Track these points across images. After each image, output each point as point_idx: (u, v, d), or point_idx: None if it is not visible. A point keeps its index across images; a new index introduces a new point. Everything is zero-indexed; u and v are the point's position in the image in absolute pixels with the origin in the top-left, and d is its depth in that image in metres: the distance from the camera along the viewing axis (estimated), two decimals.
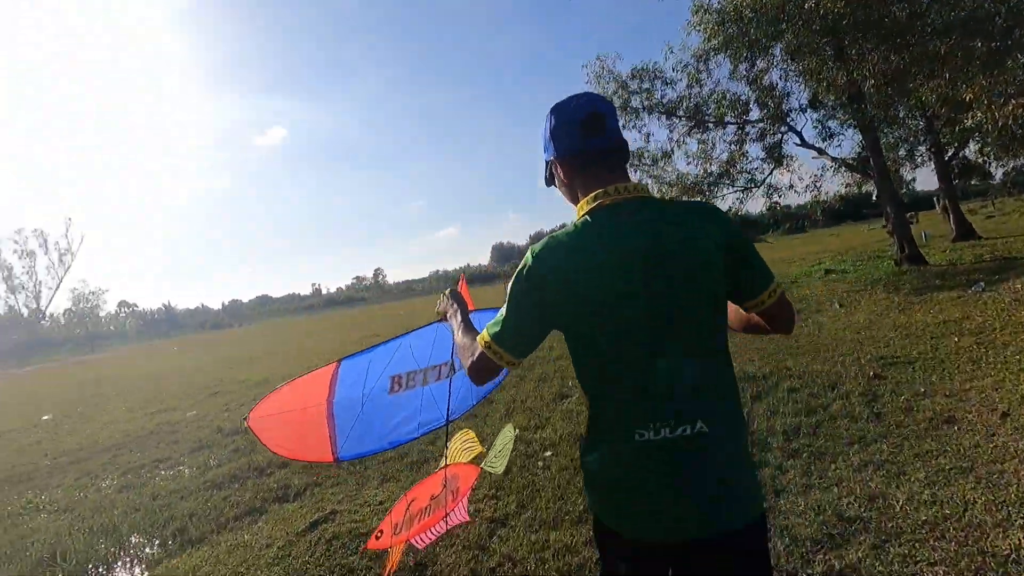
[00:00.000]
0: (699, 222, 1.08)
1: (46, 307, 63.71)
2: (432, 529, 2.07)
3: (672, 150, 14.81)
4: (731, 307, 1.20)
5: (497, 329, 1.13)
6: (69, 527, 4.15)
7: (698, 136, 14.53)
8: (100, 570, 3.47)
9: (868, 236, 26.31)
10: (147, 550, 3.64)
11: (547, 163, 1.22)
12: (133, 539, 3.81)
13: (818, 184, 13.86)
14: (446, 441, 2.13)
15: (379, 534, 1.89)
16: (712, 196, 14.04)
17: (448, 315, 1.54)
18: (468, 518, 2.30)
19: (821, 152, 13.67)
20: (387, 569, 2.13)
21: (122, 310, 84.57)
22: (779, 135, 13.80)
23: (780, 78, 12.91)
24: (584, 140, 1.13)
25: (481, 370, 1.18)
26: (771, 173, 13.99)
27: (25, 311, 61.99)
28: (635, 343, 1.05)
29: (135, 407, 9.66)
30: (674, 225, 1.07)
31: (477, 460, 2.23)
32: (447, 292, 1.59)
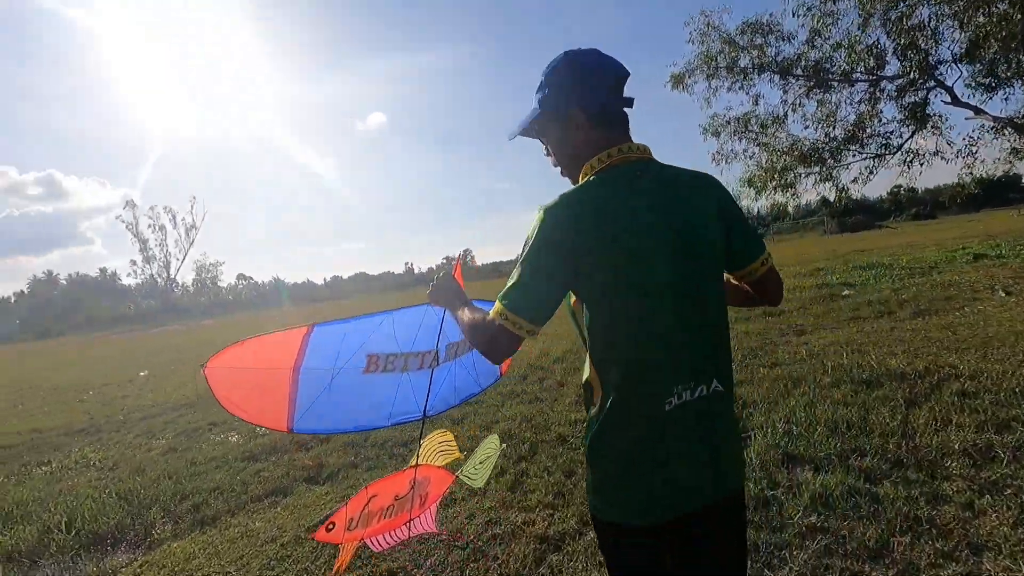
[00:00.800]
0: (703, 187, 1.10)
1: (174, 276, 70.94)
2: (392, 533, 1.86)
3: (786, 113, 12.95)
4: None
5: (512, 297, 1.04)
6: (99, 489, 3.90)
7: (818, 96, 12.57)
8: (93, 548, 3.09)
9: (1021, 221, 22.19)
10: (156, 528, 3.23)
11: (551, 111, 1.14)
12: (150, 512, 3.43)
13: (973, 149, 11.42)
14: (419, 438, 1.92)
15: (330, 525, 1.69)
16: (836, 164, 12.12)
17: (440, 299, 1.42)
18: (435, 529, 2.06)
19: (978, 111, 11.27)
20: (337, 567, 1.92)
21: (240, 282, 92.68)
22: (923, 91, 11.55)
23: (929, 19, 10.68)
24: (611, 99, 1.11)
25: (498, 344, 1.06)
26: (912, 136, 11.78)
27: (160, 280, 69.52)
28: (661, 302, 1.01)
29: None
30: (686, 187, 1.07)
31: (453, 466, 1.99)
32: (439, 275, 1.45)
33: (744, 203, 13.57)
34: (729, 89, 13.13)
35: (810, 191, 13.20)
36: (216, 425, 5.62)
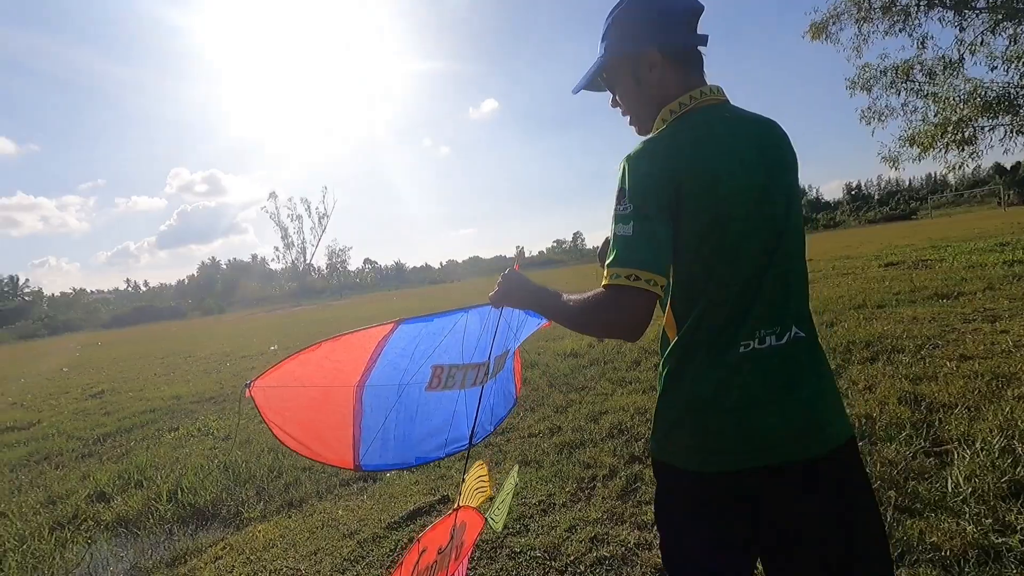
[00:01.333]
0: (783, 134, 1.04)
1: (310, 261, 78.00)
2: None
3: (962, 56, 10.67)
4: None
5: (620, 256, 0.92)
6: (209, 459, 3.98)
7: (1009, 30, 10.18)
8: (190, 521, 3.05)
9: None
10: (247, 506, 3.14)
11: (622, 56, 1.06)
12: (245, 488, 3.37)
13: None
14: (464, 472, 1.55)
15: None
16: None
17: (512, 297, 1.20)
18: None
19: None
20: None
21: (366, 266, 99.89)
22: None
23: None
24: (688, 36, 1.04)
25: (625, 311, 0.91)
26: None
27: (300, 266, 76.88)
28: (749, 244, 0.95)
29: None
30: (771, 132, 1.02)
31: (483, 507, 1.61)
32: (503, 274, 1.23)
33: (892, 172, 11.43)
34: (886, 34, 11.09)
35: (995, 148, 10.85)
36: None
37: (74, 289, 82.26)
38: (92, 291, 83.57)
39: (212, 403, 6.29)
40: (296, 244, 77.29)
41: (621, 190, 0.94)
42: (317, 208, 75.75)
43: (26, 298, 73.83)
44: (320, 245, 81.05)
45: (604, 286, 0.93)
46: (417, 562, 1.30)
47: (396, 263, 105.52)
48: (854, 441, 1.00)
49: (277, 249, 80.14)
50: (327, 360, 1.32)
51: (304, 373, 1.29)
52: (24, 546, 2.88)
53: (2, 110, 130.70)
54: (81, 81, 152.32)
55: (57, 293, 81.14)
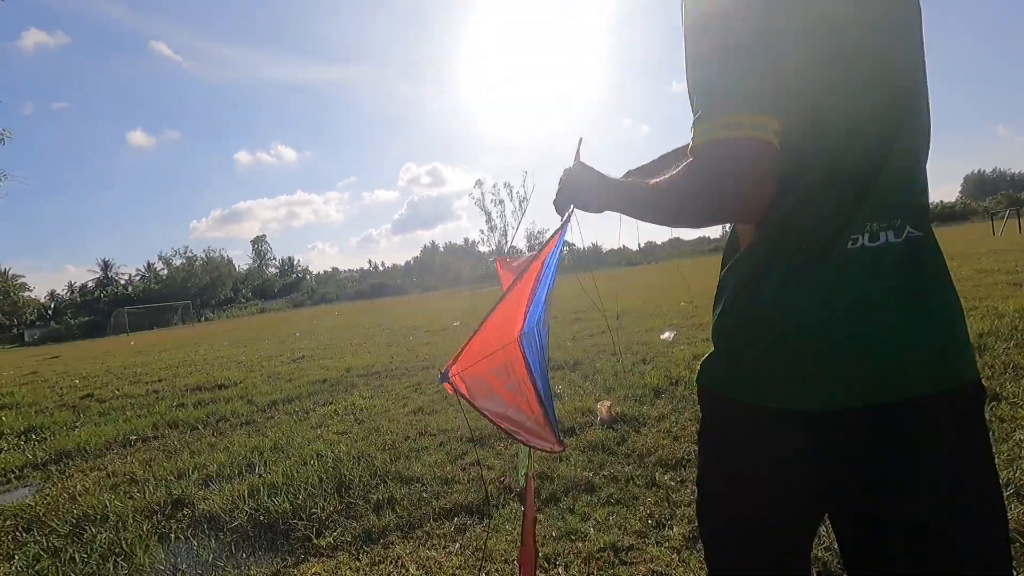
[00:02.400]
0: None
1: (512, 243, 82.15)
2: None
3: None
4: None
5: (714, 103, 0.69)
6: (333, 445, 3.52)
7: None
8: (265, 533, 2.47)
9: None
10: (317, 530, 2.46)
11: None
12: (331, 500, 2.73)
13: None
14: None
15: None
16: None
17: (580, 195, 1.01)
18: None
19: None
20: None
21: (564, 247, 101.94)
22: None
23: None
24: None
25: (738, 169, 0.68)
26: None
27: (503, 248, 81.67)
28: (863, 105, 0.71)
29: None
30: None
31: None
32: (566, 169, 1.04)
33: None
34: None
35: None
36: None
37: (331, 268, 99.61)
38: (344, 270, 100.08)
39: (375, 377, 6.13)
40: (499, 227, 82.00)
41: (696, 26, 0.73)
42: (517, 192, 79.12)
43: (299, 275, 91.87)
44: (520, 228, 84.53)
45: (692, 150, 0.71)
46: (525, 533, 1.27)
47: (593, 245, 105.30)
48: (980, 386, 0.74)
49: (482, 232, 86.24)
50: (500, 325, 1.08)
51: (488, 343, 1.03)
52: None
53: (287, 126, 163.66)
54: (340, 95, 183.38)
55: (320, 271, 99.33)
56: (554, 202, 1.05)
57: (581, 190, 0.99)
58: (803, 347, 0.72)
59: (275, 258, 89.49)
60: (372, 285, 71.81)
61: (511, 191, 77.11)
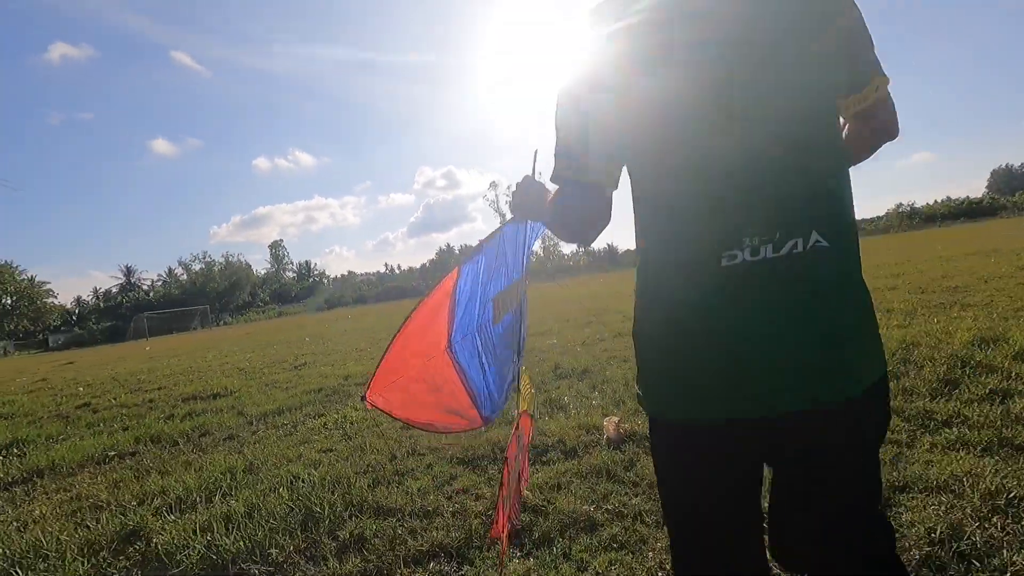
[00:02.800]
0: None
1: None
2: (518, 502, 1.71)
3: None
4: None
5: (556, 147, 0.87)
6: (310, 466, 3.19)
7: None
8: None
9: None
10: (297, 569, 2.13)
11: None
12: (314, 530, 2.40)
13: None
14: (516, 380, 1.56)
15: (497, 532, 1.47)
16: None
17: (522, 208, 1.17)
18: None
19: None
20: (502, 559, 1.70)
21: (579, 249, 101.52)
22: None
23: None
24: None
25: (577, 209, 0.87)
26: None
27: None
28: (727, 141, 0.76)
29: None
30: None
31: (530, 408, 1.67)
32: (518, 183, 1.17)
33: None
34: None
35: None
36: None
37: (347, 272, 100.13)
38: (361, 273, 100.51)
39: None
40: None
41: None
42: None
43: (316, 279, 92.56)
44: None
45: (554, 178, 0.90)
46: (509, 480, 1.38)
47: (608, 246, 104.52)
48: (882, 384, 0.83)
49: None
50: (418, 337, 1.31)
51: (404, 360, 1.28)
52: None
53: (304, 132, 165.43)
54: (354, 100, 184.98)
55: (336, 275, 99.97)
56: (510, 207, 1.17)
57: (524, 205, 1.13)
58: (686, 364, 0.79)
59: (292, 262, 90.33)
60: (386, 288, 72.10)
61: None
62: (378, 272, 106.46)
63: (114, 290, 74.23)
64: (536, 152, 1.22)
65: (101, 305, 70.85)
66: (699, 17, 0.74)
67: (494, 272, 1.40)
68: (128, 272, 76.87)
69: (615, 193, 0.88)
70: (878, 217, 71.13)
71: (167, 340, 30.56)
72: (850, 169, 0.84)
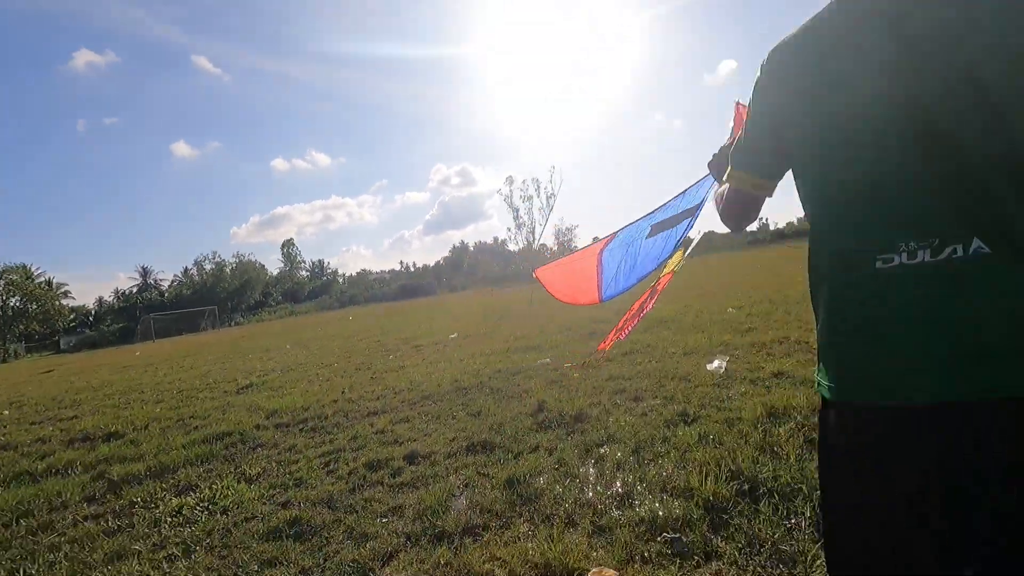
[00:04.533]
0: None
1: (538, 240, 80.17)
2: (630, 327, 2.29)
3: None
4: None
5: (734, 151, 1.01)
6: None
7: None
8: None
9: None
10: None
11: None
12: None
13: None
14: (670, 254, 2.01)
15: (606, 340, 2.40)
16: None
17: (713, 168, 1.36)
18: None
19: None
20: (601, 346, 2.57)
21: (593, 242, 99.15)
22: None
23: None
24: None
25: (732, 208, 1.04)
26: None
27: (532, 245, 79.76)
28: (883, 152, 0.79)
29: (511, 337, 7.97)
30: None
31: (675, 267, 2.08)
32: (722, 146, 1.34)
33: None
34: None
35: None
36: (406, 421, 3.15)
37: (361, 270, 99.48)
38: (377, 271, 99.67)
39: (300, 428, 4.35)
40: (527, 223, 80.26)
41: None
42: (545, 188, 76.99)
43: (329, 278, 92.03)
44: (548, 224, 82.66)
45: (724, 181, 1.07)
46: (635, 311, 2.18)
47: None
48: None
49: (509, 230, 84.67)
50: (582, 256, 2.05)
51: (564, 261, 2.12)
52: None
53: (320, 132, 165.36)
54: (369, 99, 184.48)
55: (352, 273, 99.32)
56: (708, 163, 1.38)
57: (717, 167, 1.32)
58: (839, 347, 0.83)
59: (304, 261, 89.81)
60: (399, 287, 71.09)
61: (539, 187, 75.16)
62: (393, 270, 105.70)
63: (133, 291, 74.34)
64: (737, 102, 1.45)
65: (116, 306, 70.99)
66: (902, 36, 0.76)
67: (664, 209, 1.86)
68: (145, 273, 76.96)
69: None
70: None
71: (163, 344, 29.65)
72: None
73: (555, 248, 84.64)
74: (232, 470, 3.52)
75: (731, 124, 1.43)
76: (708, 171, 1.38)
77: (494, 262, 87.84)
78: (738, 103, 1.48)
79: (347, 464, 3.33)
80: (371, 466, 3.23)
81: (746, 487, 2.21)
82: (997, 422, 0.72)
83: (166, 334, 42.81)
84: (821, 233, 0.86)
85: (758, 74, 0.91)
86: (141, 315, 56.55)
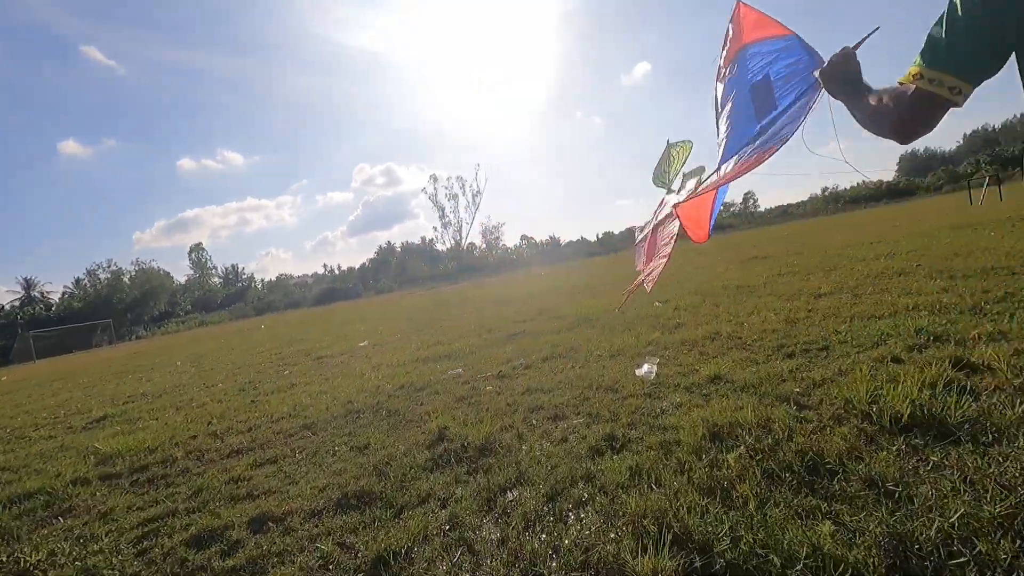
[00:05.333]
0: None
1: (466, 239, 79.21)
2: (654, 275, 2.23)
3: None
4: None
5: (932, 52, 0.95)
6: None
7: None
8: None
9: None
10: None
11: None
12: None
13: None
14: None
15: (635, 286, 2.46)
16: None
17: (833, 81, 1.21)
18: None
19: None
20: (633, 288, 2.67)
21: (522, 242, 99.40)
22: None
23: None
24: None
25: (917, 115, 0.98)
26: None
27: (460, 244, 78.43)
28: None
29: (425, 344, 7.17)
30: None
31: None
32: (837, 52, 1.22)
33: None
34: None
35: None
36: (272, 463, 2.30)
37: (279, 275, 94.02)
38: (299, 275, 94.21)
39: (131, 482, 3.35)
40: (453, 223, 79.00)
41: None
42: (471, 186, 76.13)
43: (244, 284, 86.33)
44: (474, 223, 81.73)
45: (904, 84, 1.01)
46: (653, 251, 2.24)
47: (551, 237, 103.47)
48: None
49: (435, 229, 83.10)
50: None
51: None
52: None
53: (232, 130, 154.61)
54: (287, 97, 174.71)
55: (271, 278, 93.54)
56: (820, 72, 1.24)
57: (836, 77, 1.18)
58: None
59: (215, 267, 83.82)
60: (321, 291, 67.74)
61: (464, 185, 73.83)
62: (316, 273, 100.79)
63: (16, 305, 65.86)
64: (877, 29, 1.22)
65: None
66: None
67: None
68: (28, 285, 68.58)
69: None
70: (803, 201, 73.06)
71: (40, 366, 26.19)
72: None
73: (483, 246, 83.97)
74: (4, 558, 2.52)
75: (742, 27, 1.37)
76: (817, 88, 1.28)
77: (422, 262, 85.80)
78: (739, 2, 1.43)
79: (169, 538, 2.44)
80: (200, 541, 2.36)
81: (696, 561, 1.58)
82: None
83: (52, 352, 38.09)
84: None
85: None
86: (21, 332, 50.23)
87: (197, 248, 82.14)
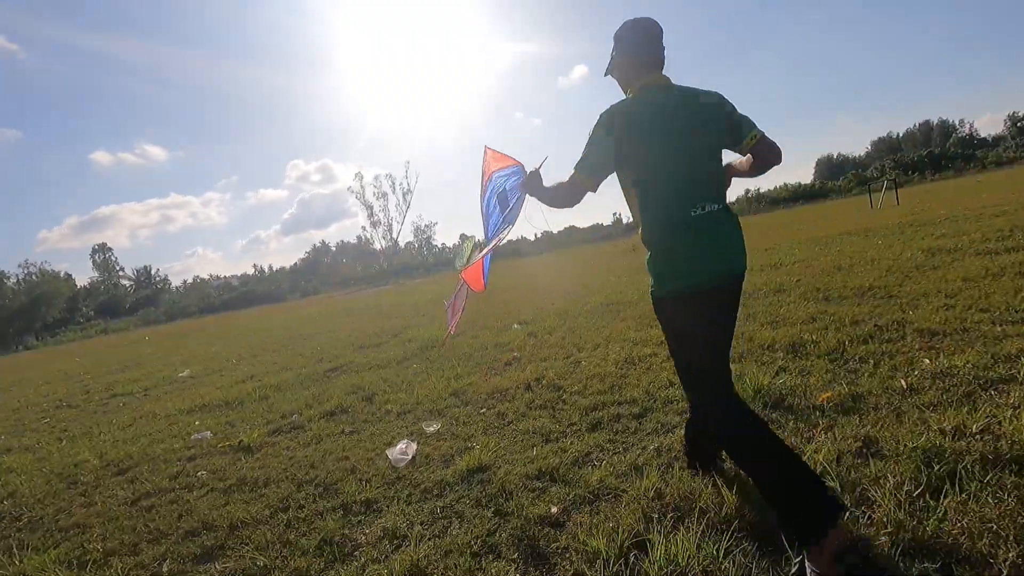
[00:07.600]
0: (707, 95, 1.79)
1: (395, 238, 76.59)
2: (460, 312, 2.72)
3: None
4: (742, 162, 1.89)
5: (579, 165, 1.80)
6: None
7: None
8: None
9: None
10: None
11: (615, 59, 1.94)
12: None
13: None
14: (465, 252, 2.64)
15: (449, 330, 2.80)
16: None
17: (530, 187, 2.04)
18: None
19: None
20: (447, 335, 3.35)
21: (462, 241, 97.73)
22: None
23: None
24: (648, 49, 1.87)
25: (569, 193, 1.86)
26: None
27: (386, 243, 75.61)
28: (678, 160, 1.72)
29: (234, 379, 5.85)
30: (693, 96, 1.79)
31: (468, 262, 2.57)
32: (529, 173, 2.06)
33: None
34: None
35: None
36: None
37: (195, 278, 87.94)
38: (226, 276, 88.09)
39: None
40: (383, 222, 76.09)
41: (595, 126, 1.79)
42: (401, 184, 73.13)
43: (157, 287, 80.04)
44: (406, 222, 79.09)
45: (568, 178, 1.85)
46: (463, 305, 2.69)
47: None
48: (742, 276, 1.82)
49: (364, 228, 79.88)
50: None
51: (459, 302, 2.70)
52: None
53: (154, 122, 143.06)
54: (213, 87, 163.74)
55: (190, 280, 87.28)
56: (521, 184, 2.09)
57: (531, 186, 2.02)
58: (679, 262, 1.71)
59: (122, 268, 77.31)
60: (240, 294, 63.48)
61: (394, 183, 70.72)
62: (245, 274, 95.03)
63: None
64: (546, 158, 2.03)
65: None
66: (661, 117, 1.74)
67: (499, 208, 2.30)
68: None
69: None
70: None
71: None
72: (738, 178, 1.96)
73: (417, 245, 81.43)
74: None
75: (489, 164, 2.25)
76: (523, 191, 2.09)
77: (357, 262, 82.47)
78: (487, 148, 2.28)
79: None
80: None
81: None
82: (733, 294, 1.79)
83: None
84: (659, 204, 1.74)
85: (605, 117, 1.77)
86: None
87: (102, 248, 75.59)
